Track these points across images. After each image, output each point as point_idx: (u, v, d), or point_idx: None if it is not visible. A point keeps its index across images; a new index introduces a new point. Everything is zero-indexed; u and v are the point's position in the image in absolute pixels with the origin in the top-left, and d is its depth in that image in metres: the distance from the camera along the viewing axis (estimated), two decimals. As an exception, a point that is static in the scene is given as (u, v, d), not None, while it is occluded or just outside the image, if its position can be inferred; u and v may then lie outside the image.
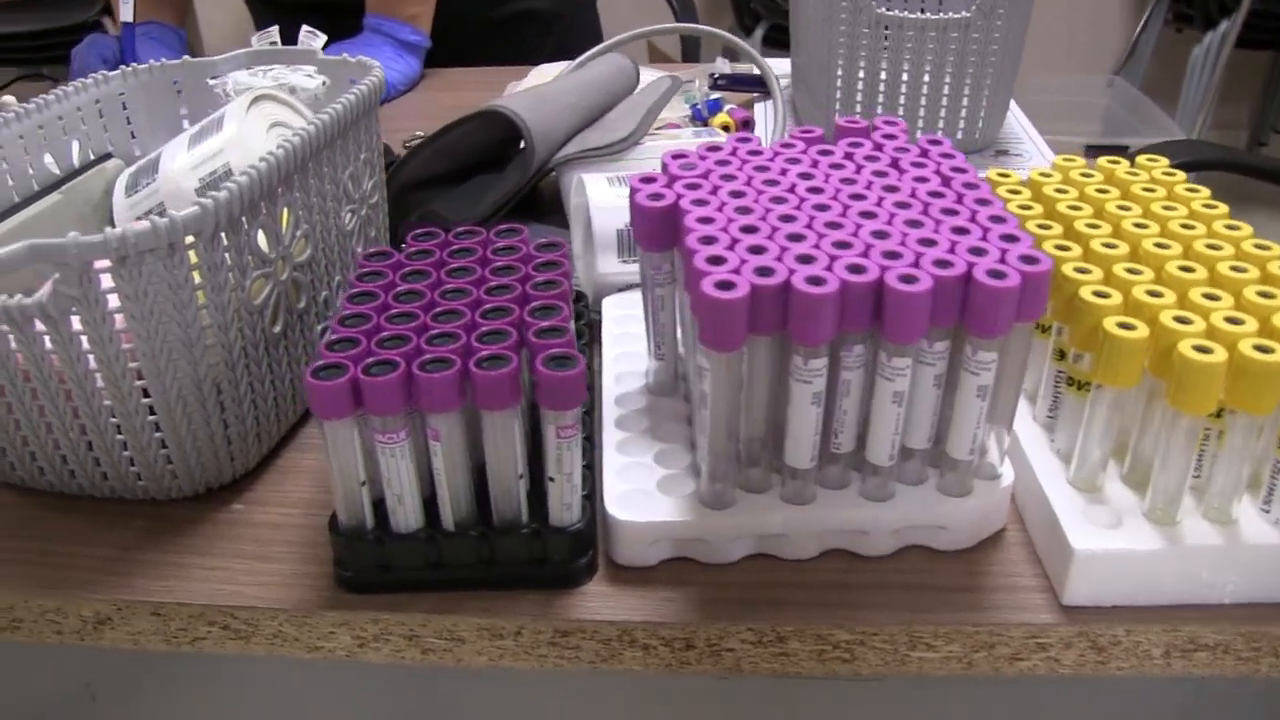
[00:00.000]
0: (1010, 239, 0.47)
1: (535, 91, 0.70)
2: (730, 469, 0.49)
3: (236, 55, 0.69)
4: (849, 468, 0.50)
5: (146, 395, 0.51)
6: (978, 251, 0.46)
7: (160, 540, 0.54)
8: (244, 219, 0.52)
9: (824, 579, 0.50)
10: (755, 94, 0.93)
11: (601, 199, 0.63)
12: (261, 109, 0.65)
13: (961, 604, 0.48)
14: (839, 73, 0.81)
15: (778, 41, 1.94)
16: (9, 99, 0.89)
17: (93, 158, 0.67)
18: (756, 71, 0.91)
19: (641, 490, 0.51)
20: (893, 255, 0.46)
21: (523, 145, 0.68)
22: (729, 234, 0.48)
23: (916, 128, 0.82)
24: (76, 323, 0.49)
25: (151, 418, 0.52)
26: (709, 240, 0.48)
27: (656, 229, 0.52)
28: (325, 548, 0.52)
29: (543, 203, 0.76)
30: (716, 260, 0.46)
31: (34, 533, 0.55)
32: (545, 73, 0.96)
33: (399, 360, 0.46)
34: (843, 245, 0.47)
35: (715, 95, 0.88)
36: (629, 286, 0.64)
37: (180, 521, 0.55)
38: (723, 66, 0.95)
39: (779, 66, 1.00)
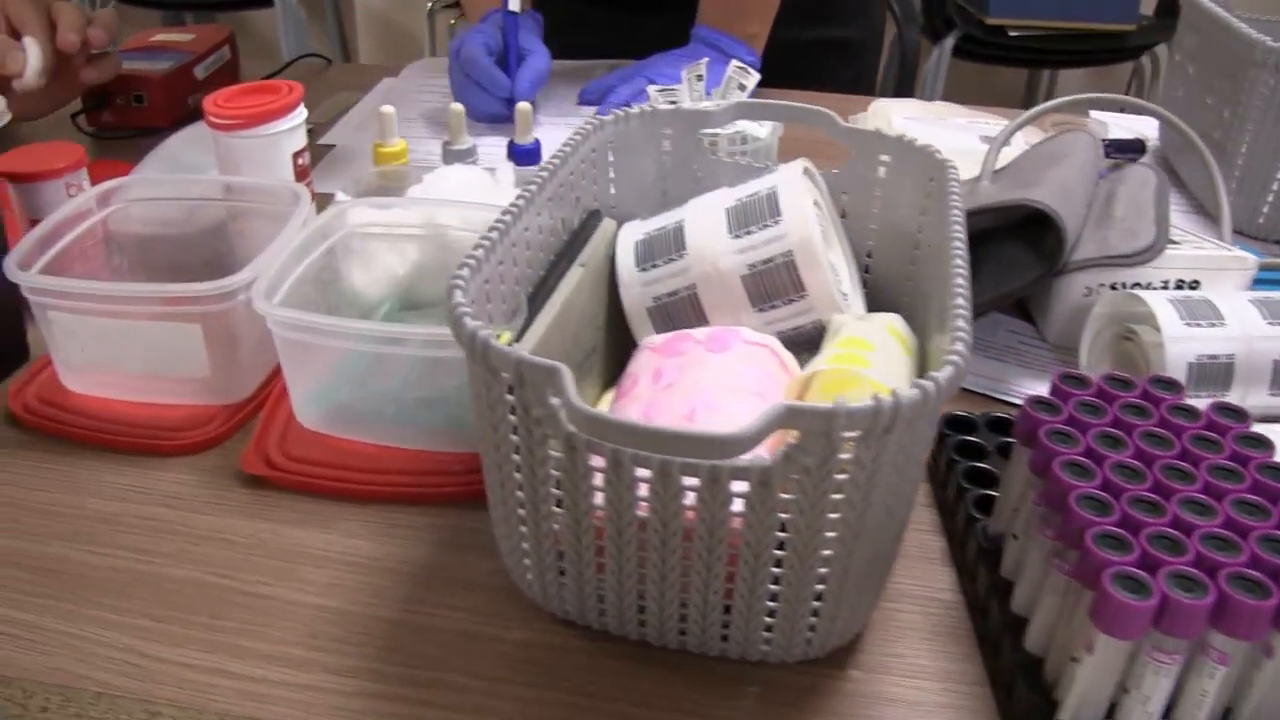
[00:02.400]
0: None
1: (1058, 181, 0.63)
2: None
3: (733, 106, 0.60)
4: None
5: (826, 564, 0.44)
6: None
7: (788, 716, 0.47)
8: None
9: None
10: (1125, 158, 0.88)
11: (1173, 328, 0.57)
12: (805, 184, 0.56)
13: None
14: None
15: (969, 53, 1.82)
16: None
17: (584, 214, 0.58)
18: (1120, 132, 0.86)
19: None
20: None
21: (1045, 242, 0.61)
22: None
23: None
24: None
25: (820, 586, 0.45)
26: None
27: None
28: (989, 737, 0.47)
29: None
30: None
31: (636, 695, 0.47)
32: (887, 108, 0.88)
33: (1205, 580, 0.40)
34: None
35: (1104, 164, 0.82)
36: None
37: (800, 691, 0.48)
38: (1099, 129, 0.89)
39: (1108, 118, 0.94)
